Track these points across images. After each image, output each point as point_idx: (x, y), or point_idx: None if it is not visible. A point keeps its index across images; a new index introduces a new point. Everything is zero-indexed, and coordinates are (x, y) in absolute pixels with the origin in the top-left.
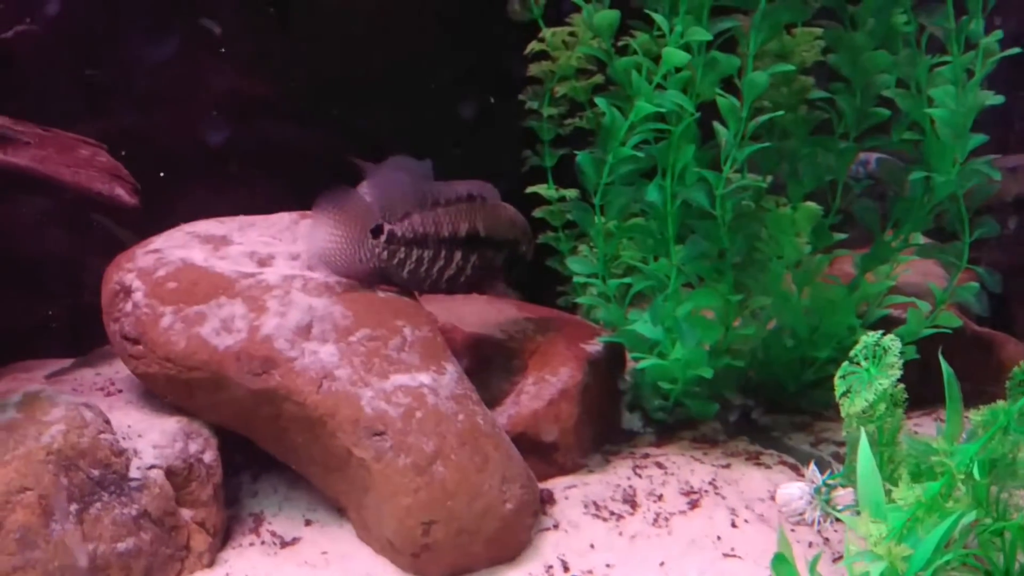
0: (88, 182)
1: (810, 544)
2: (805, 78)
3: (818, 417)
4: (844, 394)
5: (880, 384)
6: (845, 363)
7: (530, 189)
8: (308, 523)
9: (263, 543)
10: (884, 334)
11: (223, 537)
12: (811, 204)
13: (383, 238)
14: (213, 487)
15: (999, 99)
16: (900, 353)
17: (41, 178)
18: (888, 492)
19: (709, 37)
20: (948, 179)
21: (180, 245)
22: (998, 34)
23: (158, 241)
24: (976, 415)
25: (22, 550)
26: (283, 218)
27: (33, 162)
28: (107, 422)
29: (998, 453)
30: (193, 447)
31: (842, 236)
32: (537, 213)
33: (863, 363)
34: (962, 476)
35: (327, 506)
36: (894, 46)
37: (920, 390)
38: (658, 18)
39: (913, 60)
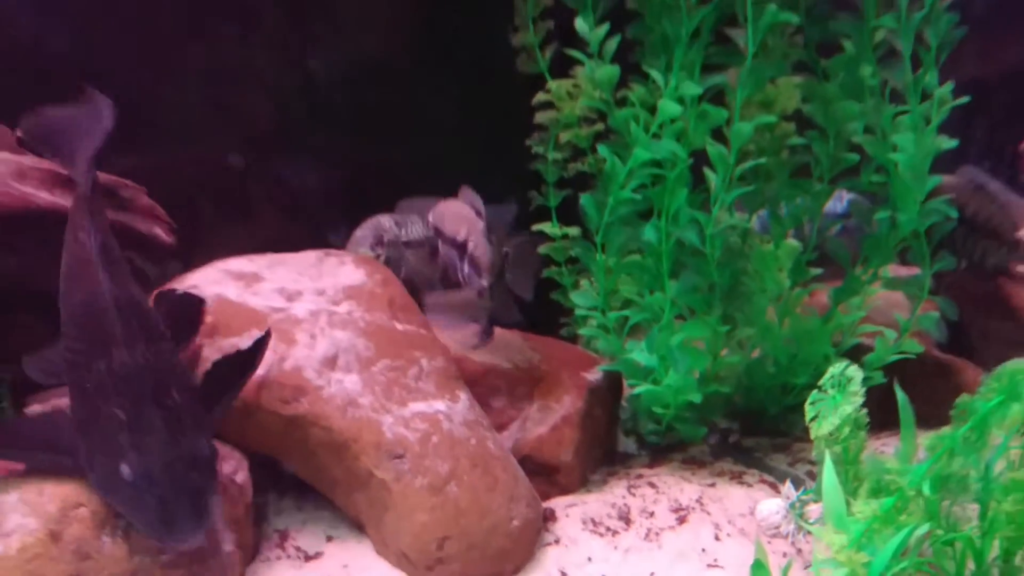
0: (130, 222)
1: (784, 554)
2: (787, 124)
3: (796, 439)
4: (813, 419)
5: (844, 410)
6: (814, 391)
7: (536, 227)
8: (330, 539)
9: (289, 557)
10: (849, 365)
11: (252, 552)
12: (792, 241)
13: None
14: (244, 506)
15: (953, 143)
16: (867, 379)
17: None
18: (850, 505)
19: (700, 91)
20: (911, 217)
21: (215, 282)
22: (949, 85)
23: (194, 278)
24: (924, 440)
25: (76, 560)
26: (309, 256)
27: None
28: None
29: (947, 472)
30: (226, 468)
31: (818, 271)
32: (542, 249)
33: (830, 391)
34: (913, 493)
35: (347, 524)
36: (861, 97)
37: (891, 412)
38: (654, 73)
39: (878, 109)
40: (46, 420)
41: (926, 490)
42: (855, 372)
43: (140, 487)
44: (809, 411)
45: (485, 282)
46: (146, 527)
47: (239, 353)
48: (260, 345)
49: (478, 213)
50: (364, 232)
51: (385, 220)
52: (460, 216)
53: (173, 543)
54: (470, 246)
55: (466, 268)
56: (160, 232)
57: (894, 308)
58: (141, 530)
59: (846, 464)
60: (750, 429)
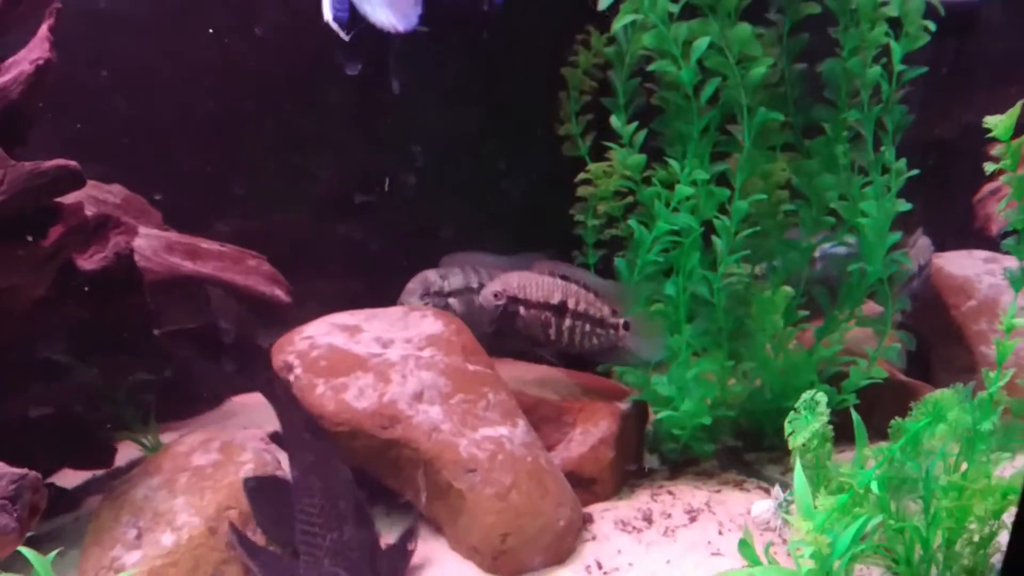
0: (256, 285)
1: (771, 543)
2: (781, 192)
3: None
4: (790, 434)
5: (813, 426)
6: (792, 412)
7: None
8: None
9: None
10: (818, 392)
11: None
12: (786, 288)
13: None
14: None
15: (908, 206)
16: (842, 400)
17: (221, 283)
18: (816, 500)
19: (708, 176)
20: (876, 268)
21: (326, 333)
22: (903, 162)
23: (309, 329)
24: (869, 451)
25: (228, 549)
26: (397, 311)
27: (215, 271)
28: (279, 461)
29: (892, 474)
30: None
31: (805, 313)
32: None
33: (803, 412)
34: (863, 491)
35: (425, 526)
36: (836, 171)
37: (869, 427)
38: (672, 162)
39: (849, 181)
40: (284, 571)
41: (875, 489)
42: (822, 397)
43: None
44: (787, 427)
45: (622, 322)
46: None
47: (400, 540)
48: (408, 540)
49: (564, 277)
50: (414, 285)
51: (431, 274)
52: (540, 282)
53: None
54: (572, 304)
55: (587, 326)
56: (279, 293)
57: (865, 341)
58: None
59: (816, 468)
60: (752, 445)
